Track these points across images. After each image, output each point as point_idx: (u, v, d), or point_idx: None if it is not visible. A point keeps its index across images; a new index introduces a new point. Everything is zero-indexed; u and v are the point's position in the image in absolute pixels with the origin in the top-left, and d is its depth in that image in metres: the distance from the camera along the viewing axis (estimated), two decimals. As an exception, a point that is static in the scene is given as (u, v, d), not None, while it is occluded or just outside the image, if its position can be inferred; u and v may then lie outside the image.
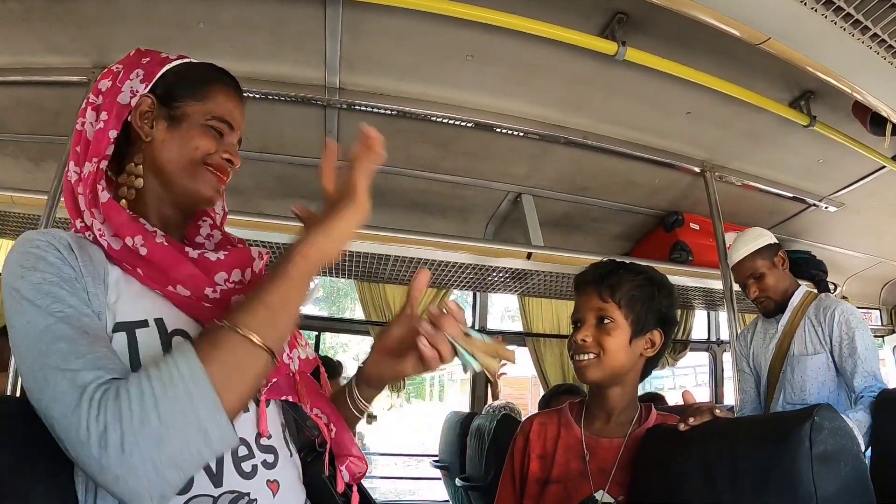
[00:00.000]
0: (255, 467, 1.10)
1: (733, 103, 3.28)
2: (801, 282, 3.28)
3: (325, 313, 17.33)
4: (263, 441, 1.15)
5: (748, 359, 3.31)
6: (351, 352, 20.76)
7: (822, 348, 2.88)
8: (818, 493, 1.17)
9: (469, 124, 3.33)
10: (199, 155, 1.23)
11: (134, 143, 1.24)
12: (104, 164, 1.17)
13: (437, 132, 3.43)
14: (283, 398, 1.21)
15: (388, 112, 3.19)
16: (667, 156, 3.99)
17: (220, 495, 1.04)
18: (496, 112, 3.34)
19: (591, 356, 1.79)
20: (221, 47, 2.86)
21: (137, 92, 1.22)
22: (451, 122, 3.30)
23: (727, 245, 3.62)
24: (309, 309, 5.05)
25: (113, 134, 1.19)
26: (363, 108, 3.15)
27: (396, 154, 3.67)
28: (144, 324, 1.06)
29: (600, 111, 3.50)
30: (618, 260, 1.91)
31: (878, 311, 7.25)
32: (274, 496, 1.11)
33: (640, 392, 1.97)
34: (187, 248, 1.14)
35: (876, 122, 3.45)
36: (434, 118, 3.25)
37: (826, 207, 4.97)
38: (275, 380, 1.18)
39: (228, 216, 1.44)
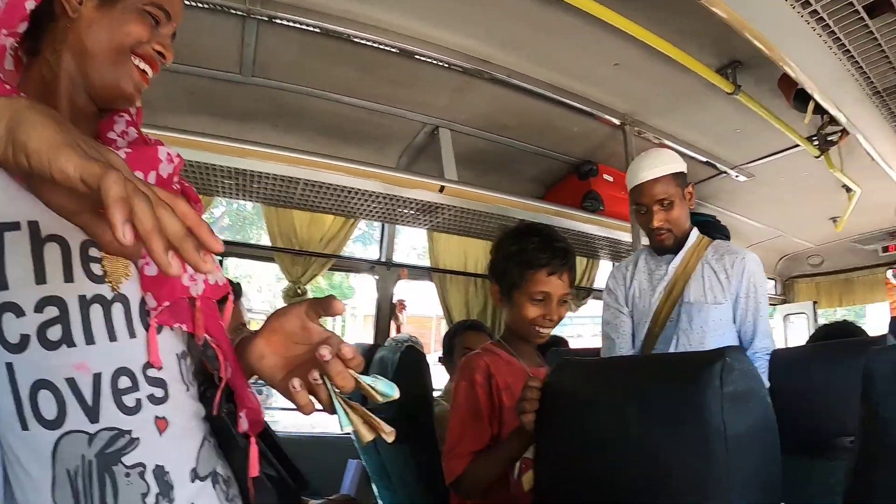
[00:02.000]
0: (139, 402, 0.98)
1: (663, 61, 3.27)
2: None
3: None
4: (152, 373, 1.01)
5: (625, 299, 2.90)
6: (255, 283, 20.57)
7: (724, 299, 2.65)
8: (727, 431, 1.21)
9: (393, 49, 3.19)
10: (130, 41, 1.09)
11: (57, 19, 1.07)
12: (10, 41, 1.01)
13: (360, 55, 3.28)
14: (176, 325, 1.05)
15: (311, 29, 3.03)
16: (589, 104, 3.96)
17: (98, 432, 0.93)
18: (422, 39, 3.21)
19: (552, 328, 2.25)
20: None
21: None
22: (375, 45, 3.15)
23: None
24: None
25: (31, 5, 1.02)
26: (284, 21, 2.97)
27: (315, 75, 3.52)
28: (15, 226, 0.91)
29: (529, 51, 3.42)
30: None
31: (773, 282, 7.81)
32: (161, 434, 0.99)
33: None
34: None
35: (799, 98, 3.51)
36: (357, 39, 3.10)
37: (736, 176, 5.09)
38: (167, 303, 1.02)
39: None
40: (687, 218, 2.78)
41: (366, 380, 0.96)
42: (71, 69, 1.08)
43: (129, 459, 0.95)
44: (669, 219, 2.70)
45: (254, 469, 1.12)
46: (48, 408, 0.91)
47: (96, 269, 0.96)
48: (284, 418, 6.65)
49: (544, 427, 1.69)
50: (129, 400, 0.96)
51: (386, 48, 3.18)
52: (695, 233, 2.81)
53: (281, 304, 5.08)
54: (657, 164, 2.71)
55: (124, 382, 0.96)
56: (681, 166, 2.76)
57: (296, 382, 0.97)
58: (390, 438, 0.99)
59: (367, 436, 0.98)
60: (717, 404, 1.23)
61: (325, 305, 1.01)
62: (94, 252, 0.96)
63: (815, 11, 2.32)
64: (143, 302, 1.01)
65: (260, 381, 1.15)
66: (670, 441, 1.31)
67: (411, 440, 2.68)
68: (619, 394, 1.48)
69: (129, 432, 0.95)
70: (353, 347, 0.95)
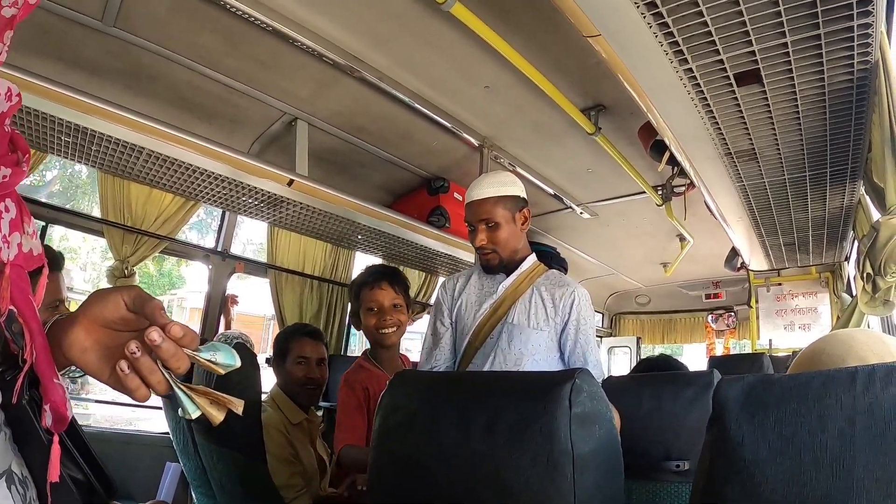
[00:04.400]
0: None
1: (532, 92, 3.39)
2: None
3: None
4: None
5: (451, 310, 2.93)
6: (80, 260, 19.62)
7: (546, 326, 2.69)
8: (574, 451, 1.25)
9: (266, 26, 3.04)
10: None
11: None
12: None
13: (230, 25, 3.14)
14: None
15: (183, -17, 2.85)
16: (452, 121, 4.00)
17: None
18: (297, 22, 3.10)
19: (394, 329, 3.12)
20: None
21: None
22: (247, 18, 3.00)
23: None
24: (40, 198, 4.52)
25: None
26: (156, -31, 2.78)
27: (180, 38, 3.32)
28: None
29: (403, 56, 3.41)
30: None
31: (601, 315, 8.76)
32: None
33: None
34: None
35: (656, 148, 3.67)
36: (231, 7, 2.93)
37: (581, 213, 5.29)
38: None
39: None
40: (518, 241, 2.79)
41: (203, 355, 0.87)
42: None
43: None
44: (493, 239, 2.72)
45: (54, 472, 0.91)
46: None
47: None
48: (99, 411, 6.25)
49: (380, 438, 1.63)
50: None
51: (258, 23, 3.02)
52: (532, 258, 2.84)
53: (105, 284, 4.79)
54: (489, 186, 2.74)
55: None
56: (515, 190, 2.77)
57: (123, 365, 0.85)
58: (240, 409, 0.89)
59: (218, 416, 0.88)
60: (566, 424, 1.26)
61: (148, 307, 0.88)
62: None
63: (690, 69, 2.46)
64: None
65: (74, 370, 0.99)
66: (517, 458, 1.31)
67: (236, 445, 2.56)
68: (464, 409, 1.46)
69: None
70: (182, 325, 0.84)
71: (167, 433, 3.94)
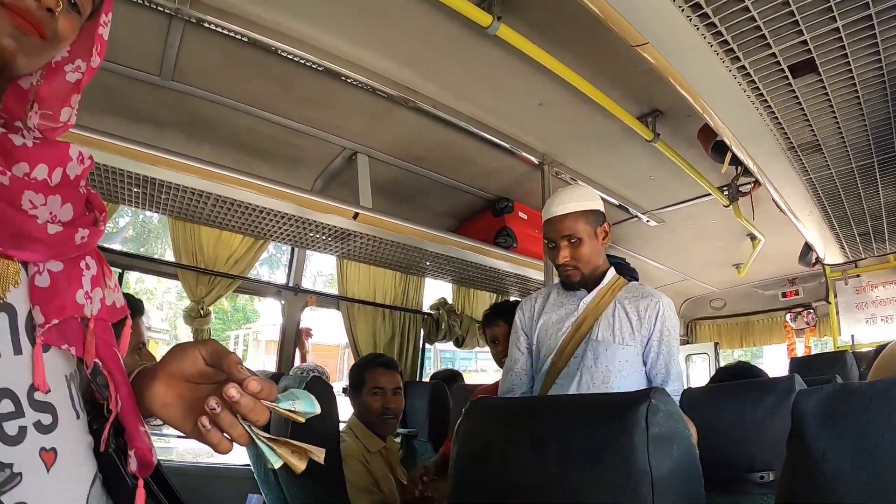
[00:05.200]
0: (23, 430, 0.81)
1: (586, 104, 3.34)
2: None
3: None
4: (39, 396, 0.85)
5: (529, 334, 2.87)
6: (156, 300, 20.14)
7: (632, 340, 2.60)
8: (653, 473, 1.21)
9: (318, 67, 3.10)
10: None
11: None
12: None
13: (283, 69, 3.20)
14: (63, 346, 0.89)
15: (237, 36, 2.91)
16: (509, 141, 3.98)
17: None
18: (348, 60, 3.15)
19: None
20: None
21: None
22: (299, 60, 3.06)
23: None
24: (114, 245, 4.68)
25: None
26: (212, 25, 2.85)
27: (236, 86, 3.41)
28: None
29: (455, 83, 3.41)
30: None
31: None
32: (48, 470, 0.83)
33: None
34: None
35: (717, 150, 3.60)
36: (283, 52, 3.00)
37: (647, 221, 5.21)
38: (56, 321, 0.87)
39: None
40: (599, 256, 2.74)
41: (283, 405, 0.90)
42: None
43: (8, 499, 0.79)
44: (576, 255, 2.67)
45: None
46: None
47: None
48: (180, 444, 6.39)
49: (457, 470, 1.63)
50: (10, 427, 0.80)
51: (310, 64, 3.09)
52: (611, 272, 2.77)
53: (182, 323, 4.89)
54: (570, 201, 2.68)
55: (6, 406, 0.81)
56: (595, 204, 2.73)
57: (205, 421, 0.89)
58: (321, 458, 0.90)
59: (300, 465, 0.90)
60: (643, 446, 1.22)
61: (225, 363, 0.92)
62: None
63: (742, 67, 2.39)
64: (30, 315, 0.87)
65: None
66: (594, 483, 1.29)
67: (316, 476, 2.60)
68: (538, 435, 1.44)
69: (10, 466, 0.78)
70: (258, 379, 0.88)
71: (248, 465, 4.02)
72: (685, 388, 2.66)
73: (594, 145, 4.09)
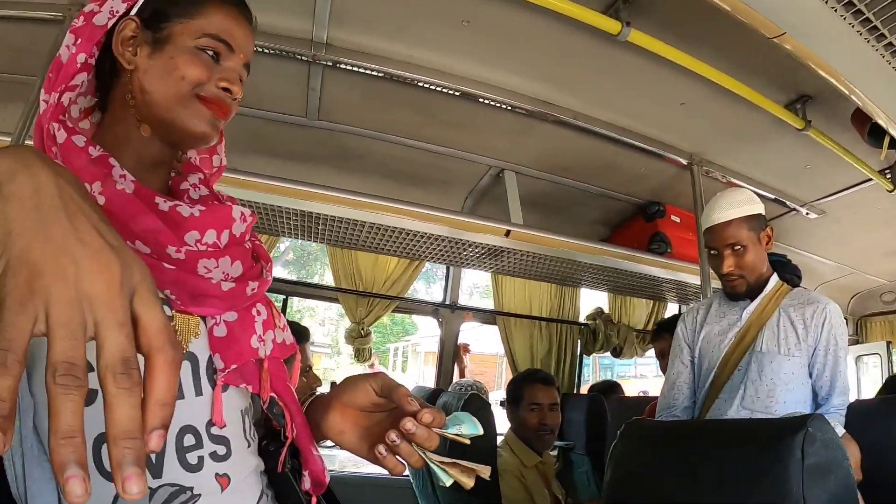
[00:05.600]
0: (201, 459, 0.95)
1: (729, 98, 3.22)
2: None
3: (293, 277, 17.39)
4: (215, 430, 0.98)
5: (691, 346, 2.78)
6: (318, 316, 20.89)
7: (798, 351, 2.46)
8: None
9: (455, 92, 3.21)
10: (187, 87, 1.02)
11: (119, 74, 1.05)
12: (68, 95, 1.00)
13: (421, 98, 3.32)
14: (242, 386, 1.02)
15: (373, 73, 3.07)
16: (655, 144, 3.91)
17: (159, 487, 0.90)
18: (484, 82, 3.22)
19: None
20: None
21: (117, 12, 1.03)
22: (436, 88, 3.17)
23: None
24: (278, 271, 4.97)
25: (82, 58, 1.00)
26: (348, 66, 3.02)
27: (378, 118, 3.56)
28: None
29: (592, 92, 3.40)
30: None
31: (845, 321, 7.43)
32: (222, 491, 0.97)
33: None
34: (158, 199, 0.97)
35: (873, 133, 3.41)
36: (419, 83, 3.13)
37: (807, 213, 4.98)
38: (234, 366, 0.99)
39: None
40: (763, 262, 2.61)
41: (450, 431, 0.98)
42: (139, 119, 1.05)
43: None
44: (741, 264, 2.55)
45: None
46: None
47: None
48: (341, 454, 6.67)
49: (611, 492, 1.64)
50: (192, 457, 0.94)
51: (447, 91, 3.19)
52: (774, 278, 2.66)
53: (342, 339, 5.14)
54: (731, 207, 2.55)
55: (188, 440, 0.95)
56: (757, 208, 2.59)
57: (381, 449, 0.98)
58: (487, 474, 0.99)
59: (469, 483, 0.99)
60: (798, 477, 1.18)
61: (395, 396, 1.01)
62: (164, 310, 0.95)
63: (890, 44, 2.26)
64: (210, 360, 1.00)
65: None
66: None
67: (474, 489, 2.65)
68: (691, 461, 1.43)
69: (190, 489, 0.93)
70: (431, 410, 0.96)
71: (407, 476, 4.13)
72: (852, 399, 2.51)
73: (743, 139, 3.96)
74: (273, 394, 1.06)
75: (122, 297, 0.55)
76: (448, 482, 0.98)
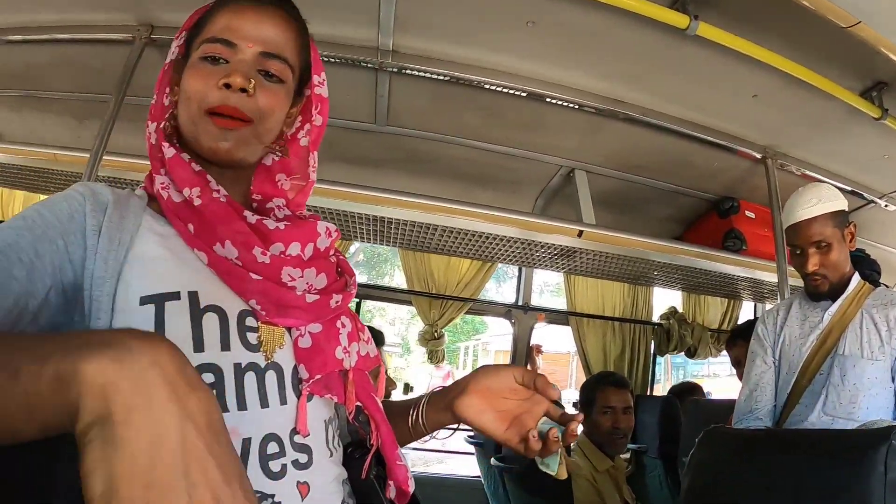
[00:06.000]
0: (284, 467, 0.97)
1: (802, 88, 3.14)
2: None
3: (365, 278, 17.60)
4: (298, 439, 1.00)
5: (773, 347, 2.65)
6: (388, 316, 21.15)
7: (882, 355, 2.33)
8: None
9: (522, 93, 3.22)
10: (195, 105, 1.02)
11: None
12: (163, 124, 1.08)
13: (489, 100, 3.33)
14: (327, 396, 1.05)
15: (440, 77, 3.11)
16: (727, 139, 3.84)
17: None
18: (552, 82, 3.22)
19: None
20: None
21: (177, 47, 1.12)
22: (503, 90, 3.19)
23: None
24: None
25: (167, 101, 1.10)
26: (415, 72, 3.07)
27: (446, 121, 3.59)
28: (176, 296, 0.94)
29: (661, 88, 3.37)
30: None
31: None
32: (302, 499, 0.97)
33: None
34: (246, 213, 1.03)
35: (955, 123, 3.30)
36: (486, 85, 3.16)
37: (885, 205, 4.83)
38: (319, 376, 1.03)
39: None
40: (847, 261, 2.51)
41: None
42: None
43: None
44: (826, 262, 2.45)
45: None
46: None
47: (252, 338, 0.99)
48: (412, 453, 6.75)
49: (688, 496, 1.62)
50: (275, 465, 0.96)
51: (515, 93, 3.21)
52: (856, 278, 2.54)
53: (413, 338, 5.22)
54: (815, 202, 2.45)
55: (272, 448, 0.97)
56: (841, 204, 2.49)
57: (534, 433, 1.10)
58: (564, 475, 1.11)
59: (565, 474, 1.10)
60: (880, 492, 1.15)
61: (539, 383, 1.14)
62: (250, 322, 1.00)
63: None
64: (295, 370, 1.03)
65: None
66: None
67: (545, 493, 2.65)
68: (770, 472, 1.40)
69: (272, 496, 0.94)
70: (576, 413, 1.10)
71: (478, 477, 4.14)
72: None
73: (817, 130, 3.86)
74: (359, 403, 1.10)
75: None
76: (556, 471, 1.10)
